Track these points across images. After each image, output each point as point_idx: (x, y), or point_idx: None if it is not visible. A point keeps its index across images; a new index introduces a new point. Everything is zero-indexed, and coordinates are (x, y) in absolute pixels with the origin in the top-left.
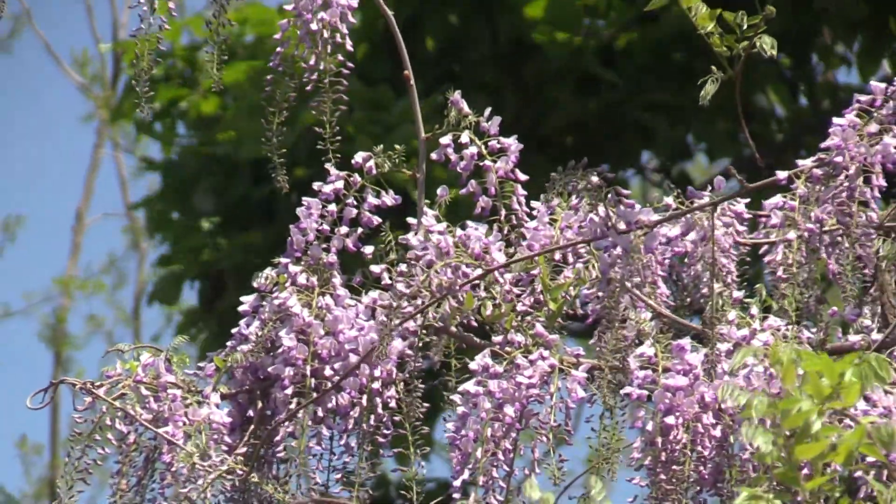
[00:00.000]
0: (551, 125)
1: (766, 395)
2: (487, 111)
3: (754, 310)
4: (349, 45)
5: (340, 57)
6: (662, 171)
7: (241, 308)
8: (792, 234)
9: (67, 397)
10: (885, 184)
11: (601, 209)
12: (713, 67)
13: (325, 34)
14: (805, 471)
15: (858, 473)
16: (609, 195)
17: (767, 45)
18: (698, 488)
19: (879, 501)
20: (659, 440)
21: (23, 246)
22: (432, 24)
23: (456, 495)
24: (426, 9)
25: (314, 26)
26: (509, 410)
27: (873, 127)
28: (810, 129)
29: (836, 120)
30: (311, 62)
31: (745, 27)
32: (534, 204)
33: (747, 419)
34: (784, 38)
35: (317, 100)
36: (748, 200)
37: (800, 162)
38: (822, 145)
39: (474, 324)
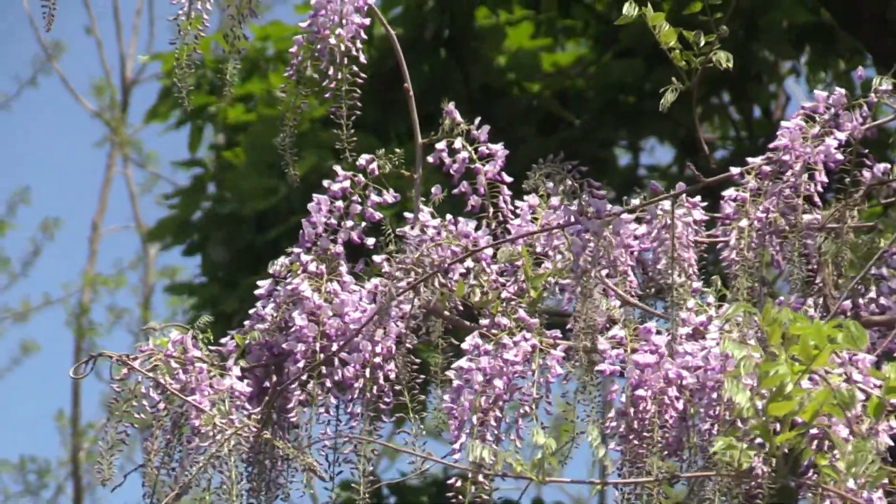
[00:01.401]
0: (519, 161)
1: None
2: (477, 120)
3: (710, 298)
4: (363, 58)
5: (355, 67)
6: (618, 200)
7: (257, 291)
8: (744, 222)
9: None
10: (826, 180)
11: (575, 199)
12: (673, 79)
13: (342, 47)
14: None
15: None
16: (583, 187)
17: (723, 59)
18: (666, 453)
19: (839, 453)
20: (631, 411)
21: (51, 250)
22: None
23: (456, 457)
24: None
25: (332, 41)
26: (498, 383)
27: (816, 130)
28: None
29: (783, 123)
30: (330, 72)
31: (702, 44)
32: (518, 203)
33: (733, 378)
34: (724, 79)
35: (334, 106)
36: (705, 204)
37: (750, 160)
38: (771, 146)
39: (461, 308)
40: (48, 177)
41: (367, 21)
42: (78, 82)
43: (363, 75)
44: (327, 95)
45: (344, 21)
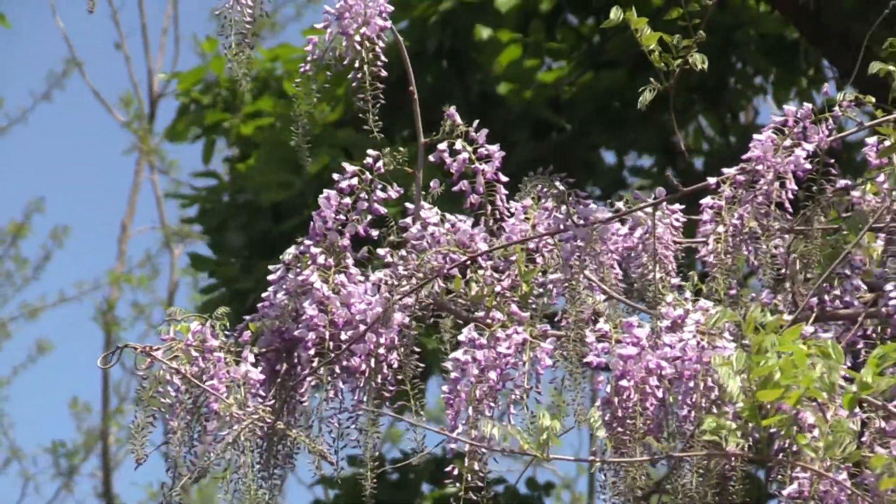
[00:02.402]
0: (513, 163)
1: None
2: (475, 123)
3: (687, 293)
4: (383, 58)
5: (379, 62)
6: (603, 198)
7: (269, 277)
8: (721, 229)
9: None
10: (796, 188)
11: (564, 208)
12: (651, 79)
13: (367, 44)
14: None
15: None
16: (570, 197)
17: (698, 60)
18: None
19: (820, 431)
20: (615, 399)
21: (79, 251)
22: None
23: (453, 445)
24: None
25: (357, 38)
26: (492, 375)
27: (787, 142)
28: (725, 161)
29: (755, 136)
30: (357, 65)
31: (680, 47)
32: (512, 204)
33: (726, 367)
34: (702, 89)
35: (360, 97)
36: (683, 207)
37: (726, 170)
38: (744, 157)
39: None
40: (84, 181)
41: (389, 24)
42: (109, 94)
43: (383, 77)
44: (354, 84)
45: (368, 22)
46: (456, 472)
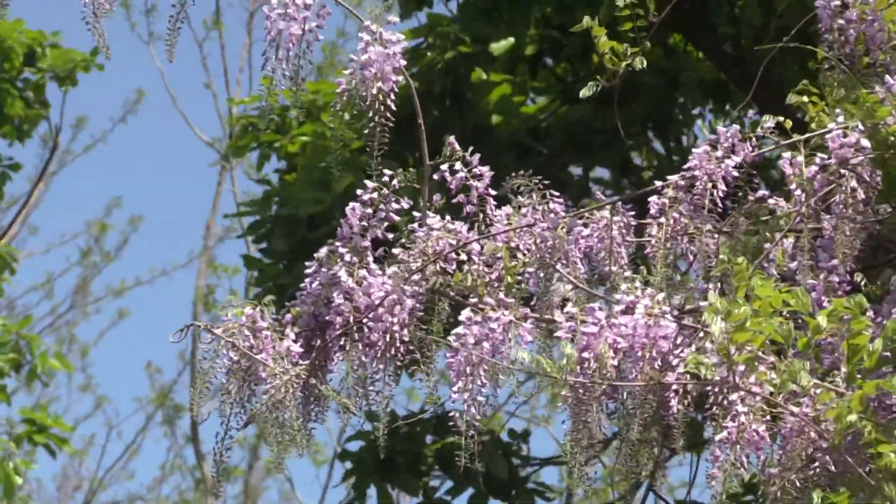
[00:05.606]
0: (503, 180)
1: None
2: (470, 149)
3: (638, 283)
4: (393, 108)
5: (388, 114)
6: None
7: (306, 271)
8: (663, 220)
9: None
10: (725, 188)
11: (538, 205)
12: (597, 77)
13: (381, 97)
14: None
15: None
16: (545, 196)
17: (639, 63)
18: (605, 396)
19: (777, 372)
20: (578, 368)
21: (171, 249)
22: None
23: (456, 396)
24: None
25: (374, 91)
26: (486, 345)
27: (719, 153)
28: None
29: (694, 150)
30: (371, 114)
31: (628, 53)
32: (497, 212)
33: (711, 312)
34: (654, 120)
35: (368, 134)
36: (634, 213)
37: (669, 177)
38: (684, 167)
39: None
40: (181, 188)
41: (401, 78)
42: (199, 122)
43: (393, 120)
44: (366, 132)
45: (384, 77)
46: (461, 422)
